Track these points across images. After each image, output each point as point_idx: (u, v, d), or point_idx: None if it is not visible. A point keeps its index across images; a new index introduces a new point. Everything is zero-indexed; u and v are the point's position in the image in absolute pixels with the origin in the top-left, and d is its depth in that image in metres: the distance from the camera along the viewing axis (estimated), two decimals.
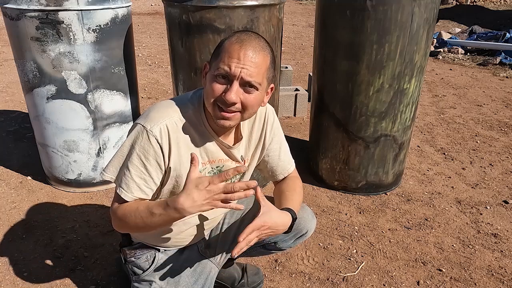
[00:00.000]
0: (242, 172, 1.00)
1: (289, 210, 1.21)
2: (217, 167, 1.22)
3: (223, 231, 1.43)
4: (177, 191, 1.19)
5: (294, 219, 1.21)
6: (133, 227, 1.13)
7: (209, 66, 1.11)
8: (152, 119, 1.10)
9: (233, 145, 1.22)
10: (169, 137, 1.10)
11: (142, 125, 1.10)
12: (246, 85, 1.04)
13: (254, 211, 1.46)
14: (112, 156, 1.15)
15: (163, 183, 1.17)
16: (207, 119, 1.15)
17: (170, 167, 1.13)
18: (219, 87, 1.04)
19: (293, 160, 1.43)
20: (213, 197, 0.99)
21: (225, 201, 1.00)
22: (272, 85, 1.16)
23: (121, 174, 1.12)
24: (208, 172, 1.22)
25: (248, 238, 1.06)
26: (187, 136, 1.14)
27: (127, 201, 1.13)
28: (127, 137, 1.15)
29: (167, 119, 1.11)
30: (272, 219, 1.12)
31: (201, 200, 0.99)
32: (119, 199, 1.14)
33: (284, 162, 1.38)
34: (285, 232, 1.20)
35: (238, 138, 1.25)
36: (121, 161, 1.13)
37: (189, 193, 1.00)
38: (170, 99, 1.19)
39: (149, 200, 1.17)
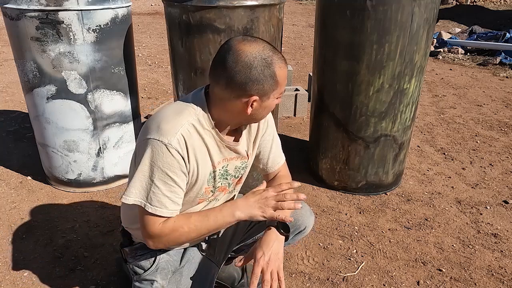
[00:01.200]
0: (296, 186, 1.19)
1: (271, 224, 1.22)
2: (222, 167, 1.24)
3: (223, 230, 1.43)
4: (188, 193, 1.20)
5: (275, 226, 1.22)
6: (182, 239, 1.15)
7: (258, 97, 1.10)
8: (166, 132, 1.08)
9: (236, 141, 1.24)
10: (186, 145, 1.10)
11: (159, 140, 1.07)
12: None
13: None
14: (131, 178, 1.11)
15: None
16: (212, 120, 1.16)
17: (189, 174, 1.15)
18: None
19: (283, 154, 1.45)
20: (265, 202, 1.13)
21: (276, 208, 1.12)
22: None
23: (149, 193, 1.09)
24: (218, 174, 1.23)
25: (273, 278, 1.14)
26: (199, 140, 1.15)
27: (164, 217, 1.12)
28: (139, 154, 1.11)
29: (180, 128, 1.10)
30: (274, 252, 1.17)
31: (254, 202, 1.14)
32: (155, 218, 1.11)
33: (275, 155, 1.40)
34: (286, 238, 1.23)
35: (239, 134, 1.26)
36: (143, 181, 1.10)
37: (246, 196, 1.16)
38: (173, 103, 1.19)
39: None
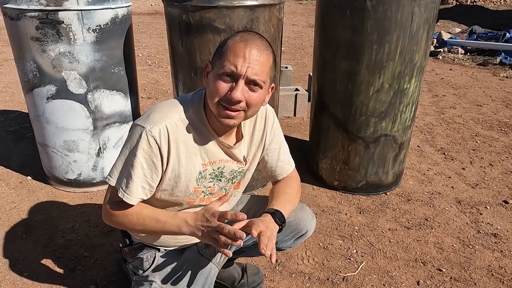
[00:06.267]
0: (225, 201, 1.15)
1: (268, 211, 1.20)
2: (218, 168, 1.22)
3: None
4: (175, 192, 1.19)
5: (271, 213, 1.19)
6: (128, 226, 1.17)
7: (211, 66, 1.12)
8: (152, 120, 1.11)
9: (234, 145, 1.22)
10: (169, 138, 1.11)
11: (142, 126, 1.10)
12: (251, 84, 1.06)
13: (253, 213, 1.46)
14: (115, 160, 1.16)
15: (160, 183, 1.17)
16: (207, 119, 1.15)
17: (168, 168, 1.14)
18: (224, 86, 1.05)
19: (293, 161, 1.43)
20: (209, 230, 1.06)
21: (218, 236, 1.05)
22: (273, 85, 1.17)
23: (123, 176, 1.13)
24: (209, 174, 1.22)
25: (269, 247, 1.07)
26: (187, 136, 1.14)
27: (128, 204, 1.13)
28: (127, 137, 1.15)
29: (167, 120, 1.11)
30: (264, 224, 1.12)
31: (200, 224, 1.08)
32: (118, 199, 1.14)
33: (283, 163, 1.38)
34: (280, 228, 1.19)
35: (239, 138, 1.25)
36: (120, 162, 1.14)
37: (198, 213, 1.10)
38: (172, 99, 1.19)
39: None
